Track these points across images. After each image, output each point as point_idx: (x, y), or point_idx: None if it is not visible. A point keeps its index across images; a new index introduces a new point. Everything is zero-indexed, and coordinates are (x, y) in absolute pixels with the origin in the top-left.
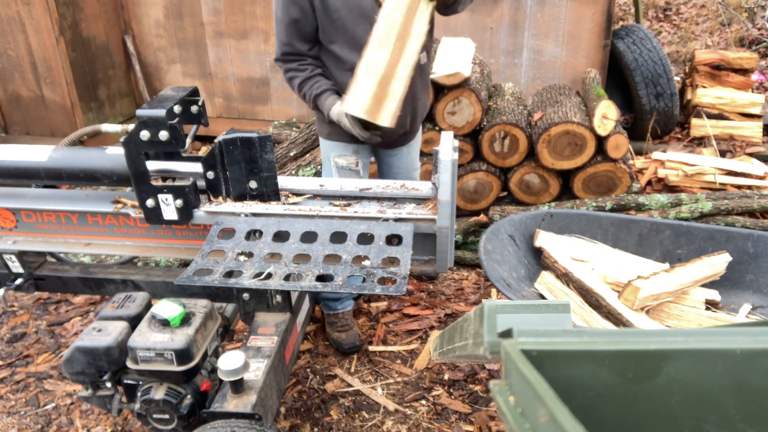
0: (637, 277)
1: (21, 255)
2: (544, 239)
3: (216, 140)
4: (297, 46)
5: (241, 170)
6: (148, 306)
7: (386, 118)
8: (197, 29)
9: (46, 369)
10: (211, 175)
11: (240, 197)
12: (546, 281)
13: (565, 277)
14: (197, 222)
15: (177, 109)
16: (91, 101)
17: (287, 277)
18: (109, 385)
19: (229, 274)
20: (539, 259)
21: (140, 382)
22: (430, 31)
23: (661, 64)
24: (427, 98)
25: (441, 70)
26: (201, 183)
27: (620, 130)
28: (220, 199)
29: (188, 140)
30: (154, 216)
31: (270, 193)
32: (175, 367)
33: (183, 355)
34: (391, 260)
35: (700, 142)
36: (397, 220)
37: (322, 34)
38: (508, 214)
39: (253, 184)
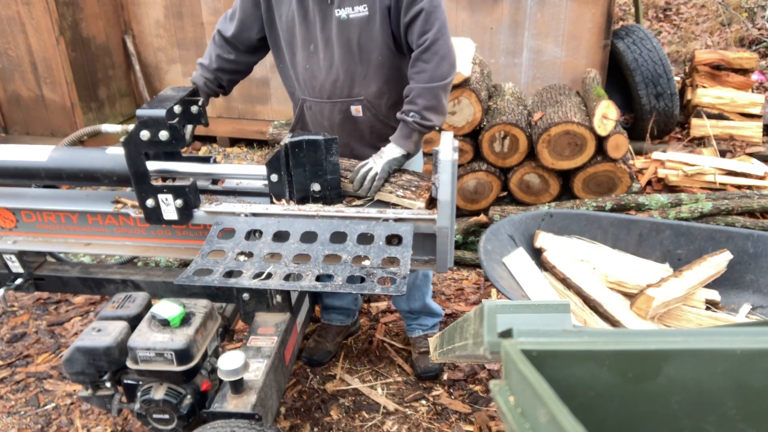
0: (647, 285)
1: (21, 255)
2: (544, 240)
3: (282, 142)
4: (228, 26)
5: (306, 173)
6: (148, 306)
7: None
8: (197, 29)
9: (46, 369)
10: (275, 177)
11: (303, 200)
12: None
13: (564, 282)
14: (197, 222)
15: (177, 109)
16: (91, 101)
17: (287, 277)
18: (109, 385)
19: (229, 274)
20: (539, 260)
21: (140, 382)
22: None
23: (661, 64)
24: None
25: None
26: (205, 183)
27: (620, 130)
28: (283, 201)
29: (188, 136)
30: (154, 216)
31: (333, 195)
32: (175, 367)
33: (183, 355)
34: (391, 260)
35: (700, 142)
36: (397, 220)
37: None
38: (508, 214)
39: (316, 187)
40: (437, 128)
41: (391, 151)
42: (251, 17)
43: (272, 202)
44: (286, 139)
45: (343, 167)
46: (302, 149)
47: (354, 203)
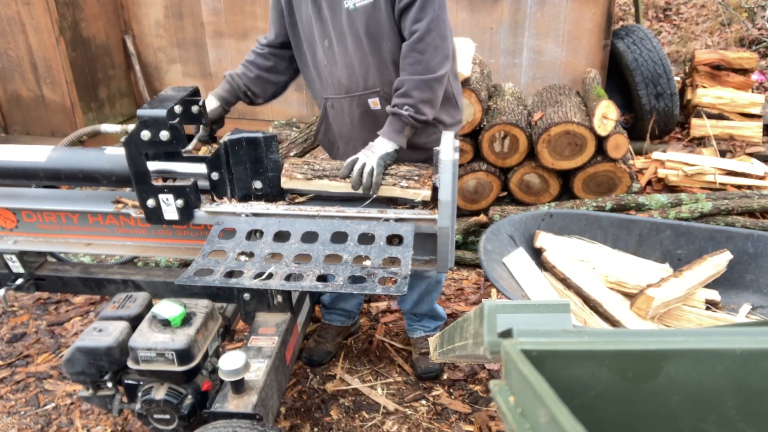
0: (647, 285)
1: (21, 255)
2: (544, 240)
3: (221, 140)
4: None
5: (246, 170)
6: (149, 306)
7: None
8: (197, 29)
9: (46, 369)
10: (215, 176)
11: (245, 198)
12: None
13: (564, 282)
14: (198, 222)
15: (178, 109)
16: (91, 101)
17: (288, 277)
18: (109, 385)
19: (230, 274)
20: (539, 260)
21: (141, 382)
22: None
23: (661, 64)
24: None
25: None
26: (204, 183)
27: (620, 130)
28: (225, 199)
29: (193, 142)
30: (154, 216)
31: (275, 193)
32: (176, 367)
33: (184, 355)
34: (391, 260)
35: (700, 142)
36: (397, 220)
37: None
38: (508, 214)
39: (258, 185)
40: (432, 122)
41: (383, 145)
42: (276, 26)
43: (214, 200)
44: (226, 137)
45: (329, 167)
46: (242, 147)
47: (297, 200)
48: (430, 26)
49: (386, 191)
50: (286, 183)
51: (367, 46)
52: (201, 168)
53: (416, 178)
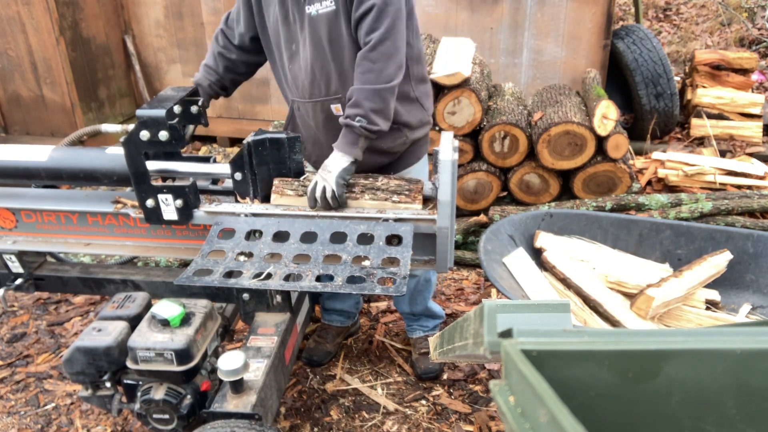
0: (647, 285)
1: (21, 255)
2: (544, 240)
3: (245, 141)
4: (231, 27)
5: (270, 171)
6: (148, 306)
7: None
8: (197, 29)
9: (46, 369)
10: (239, 176)
11: (267, 198)
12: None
13: (564, 282)
14: (197, 222)
15: (177, 109)
16: (91, 101)
17: (287, 278)
18: (109, 385)
19: (229, 274)
20: (539, 260)
21: (140, 382)
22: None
23: (661, 64)
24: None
25: (441, 70)
26: (204, 184)
27: (620, 130)
28: (248, 200)
29: (187, 136)
30: (154, 216)
31: None
32: (175, 367)
33: (183, 355)
34: (391, 260)
35: (700, 142)
36: (397, 220)
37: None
38: (508, 214)
39: None
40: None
41: (338, 162)
42: (246, 19)
43: (237, 201)
44: (249, 137)
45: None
46: (265, 147)
47: None
48: (383, 36)
49: (379, 207)
50: (276, 200)
51: (329, 53)
52: (201, 167)
53: (407, 192)
